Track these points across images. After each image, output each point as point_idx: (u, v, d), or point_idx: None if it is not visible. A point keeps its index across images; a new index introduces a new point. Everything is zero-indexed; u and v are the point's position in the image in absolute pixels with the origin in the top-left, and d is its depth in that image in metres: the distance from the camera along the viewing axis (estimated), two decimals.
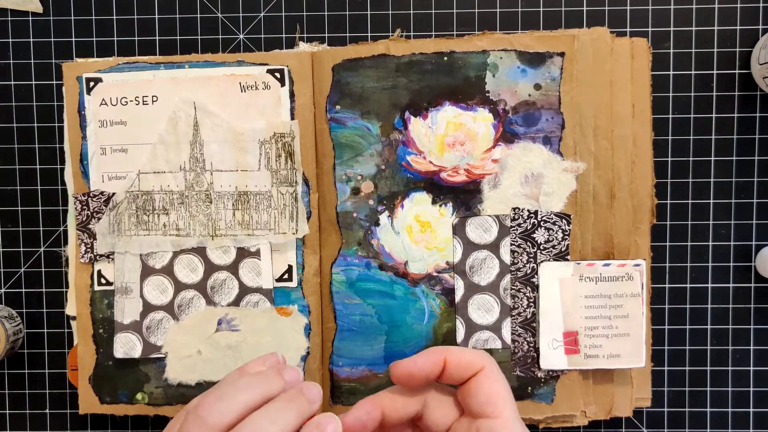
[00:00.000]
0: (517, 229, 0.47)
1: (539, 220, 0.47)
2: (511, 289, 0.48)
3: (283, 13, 0.50)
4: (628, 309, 0.47)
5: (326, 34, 0.50)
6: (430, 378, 0.37)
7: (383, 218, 0.48)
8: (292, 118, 0.48)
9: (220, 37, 0.51)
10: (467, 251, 0.48)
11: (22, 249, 0.52)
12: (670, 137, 0.50)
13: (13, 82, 0.51)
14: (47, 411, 0.52)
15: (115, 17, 0.51)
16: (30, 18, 0.51)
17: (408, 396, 0.39)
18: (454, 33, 0.50)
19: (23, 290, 0.52)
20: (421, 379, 0.36)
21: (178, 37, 0.51)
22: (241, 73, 0.48)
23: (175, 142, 0.48)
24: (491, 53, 0.46)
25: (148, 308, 0.49)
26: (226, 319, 0.49)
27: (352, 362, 0.48)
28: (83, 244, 0.49)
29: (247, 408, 0.33)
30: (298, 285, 0.49)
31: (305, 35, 0.51)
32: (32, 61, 0.51)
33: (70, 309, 0.50)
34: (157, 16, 0.51)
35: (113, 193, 0.48)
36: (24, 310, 0.52)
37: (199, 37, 0.51)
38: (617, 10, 0.50)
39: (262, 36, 0.51)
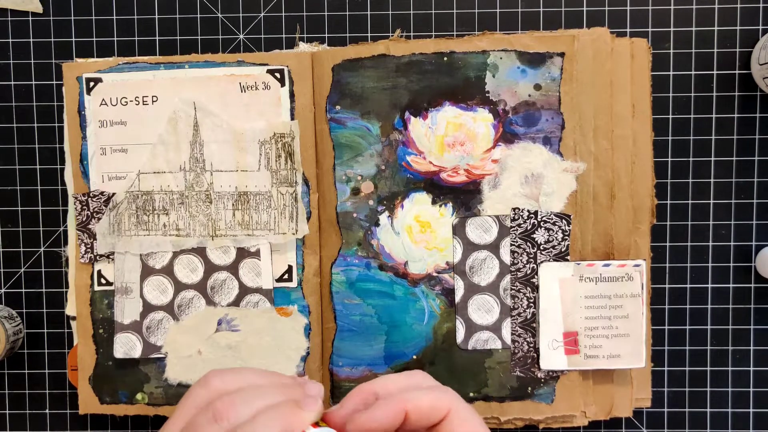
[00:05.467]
0: (517, 230, 0.47)
1: (539, 220, 0.47)
2: (511, 289, 0.48)
3: (283, 13, 0.50)
4: (628, 309, 0.47)
5: (326, 34, 0.50)
6: (391, 430, 0.33)
7: (383, 218, 0.48)
8: (292, 119, 0.48)
9: (220, 37, 0.51)
10: (467, 251, 0.48)
11: (22, 249, 0.52)
12: (670, 137, 0.50)
13: (13, 82, 0.51)
14: (47, 411, 0.52)
15: (115, 17, 0.51)
16: (30, 18, 0.51)
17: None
18: (454, 33, 0.50)
19: (23, 290, 0.52)
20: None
21: (178, 37, 0.51)
22: (241, 73, 0.48)
23: (175, 142, 0.48)
24: (491, 53, 0.46)
25: (148, 308, 0.49)
26: (226, 319, 0.49)
27: (352, 362, 0.48)
28: (83, 244, 0.49)
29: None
30: (298, 285, 0.49)
31: (305, 35, 0.51)
32: (32, 61, 0.51)
33: (70, 309, 0.50)
34: (157, 16, 0.51)
35: (113, 193, 0.48)
36: (24, 310, 0.52)
37: (199, 37, 0.51)
38: (617, 10, 0.50)
39: (262, 36, 0.51)
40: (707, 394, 0.51)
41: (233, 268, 0.49)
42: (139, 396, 0.49)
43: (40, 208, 0.52)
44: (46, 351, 0.52)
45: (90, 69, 0.48)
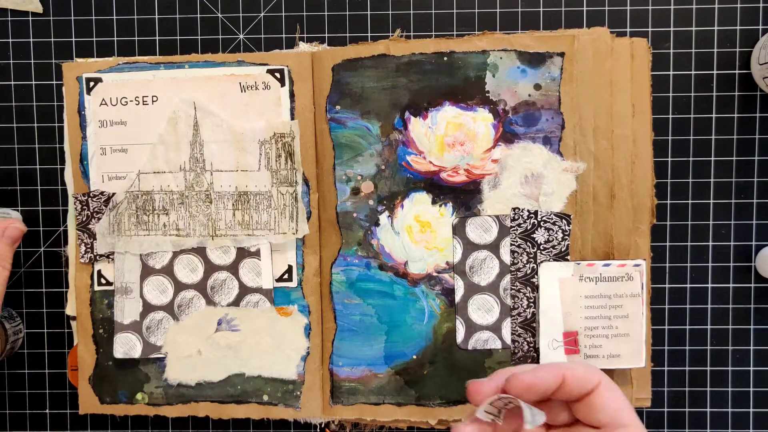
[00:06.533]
0: (517, 229, 0.47)
1: (539, 220, 0.47)
2: (511, 289, 0.48)
3: (283, 13, 0.50)
4: (628, 309, 0.47)
5: (326, 34, 0.50)
6: (548, 392, 0.35)
7: (383, 218, 0.48)
8: (292, 118, 0.48)
9: (220, 37, 0.51)
10: (467, 251, 0.48)
11: (22, 249, 0.52)
12: (670, 137, 0.50)
13: (13, 82, 0.51)
14: (47, 411, 0.52)
15: (115, 17, 0.51)
16: (30, 18, 0.51)
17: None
18: (454, 33, 0.50)
19: (23, 290, 0.52)
20: (539, 392, 0.35)
21: (178, 37, 0.51)
22: (241, 73, 0.48)
23: (175, 142, 0.48)
24: (491, 53, 0.46)
25: (148, 308, 0.49)
26: (226, 319, 0.49)
27: (352, 362, 0.48)
28: (83, 244, 0.49)
29: None
30: (298, 285, 0.49)
31: (305, 35, 0.51)
32: (32, 61, 0.51)
33: (70, 309, 0.50)
34: (157, 16, 0.51)
35: (113, 193, 0.48)
36: (24, 310, 0.52)
37: (199, 37, 0.51)
38: (617, 10, 0.50)
39: (262, 36, 0.51)
40: (707, 394, 0.51)
41: (233, 268, 0.49)
42: (139, 396, 0.49)
43: (40, 208, 0.52)
44: (46, 351, 0.52)
45: (90, 69, 0.48)
